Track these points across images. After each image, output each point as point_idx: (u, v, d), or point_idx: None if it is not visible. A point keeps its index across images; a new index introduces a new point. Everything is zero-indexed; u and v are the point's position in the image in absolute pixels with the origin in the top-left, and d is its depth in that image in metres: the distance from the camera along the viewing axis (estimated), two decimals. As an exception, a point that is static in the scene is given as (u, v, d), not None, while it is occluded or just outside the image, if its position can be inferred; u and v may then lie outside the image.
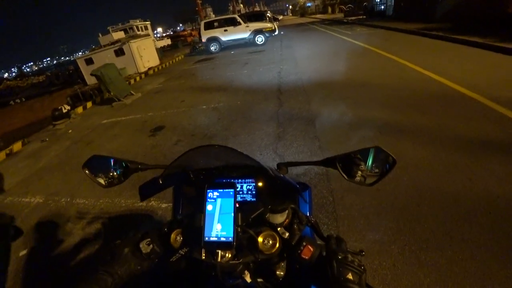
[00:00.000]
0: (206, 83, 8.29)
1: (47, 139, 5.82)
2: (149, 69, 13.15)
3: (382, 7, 20.39)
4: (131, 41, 12.48)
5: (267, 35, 15.16)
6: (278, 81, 6.81)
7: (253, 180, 0.92)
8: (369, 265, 1.79)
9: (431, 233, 1.96)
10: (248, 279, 0.71)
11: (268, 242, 0.71)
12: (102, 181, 0.95)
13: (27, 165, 4.68)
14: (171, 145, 4.23)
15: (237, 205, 0.72)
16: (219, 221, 0.69)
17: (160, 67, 13.86)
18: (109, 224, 2.74)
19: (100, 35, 15.51)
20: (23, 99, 13.56)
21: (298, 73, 7.25)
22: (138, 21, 23.47)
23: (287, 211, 0.77)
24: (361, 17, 22.79)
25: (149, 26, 24.60)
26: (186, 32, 33.85)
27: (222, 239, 0.67)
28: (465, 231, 1.93)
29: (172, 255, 0.75)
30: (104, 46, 13.21)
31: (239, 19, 15.21)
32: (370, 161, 0.79)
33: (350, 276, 0.60)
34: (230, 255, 0.68)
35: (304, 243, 0.70)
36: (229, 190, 0.72)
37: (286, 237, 0.74)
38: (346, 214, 2.26)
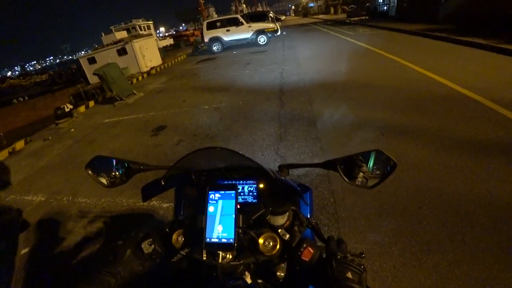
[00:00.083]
0: (208, 83, 8.31)
1: (50, 138, 5.84)
2: (151, 68, 13.18)
3: (385, 7, 20.35)
4: (134, 40, 12.52)
5: (269, 35, 15.15)
6: (280, 81, 6.81)
7: (254, 182, 0.92)
8: (369, 267, 1.79)
9: (432, 235, 1.96)
10: (249, 280, 0.71)
11: (269, 243, 0.72)
12: (104, 181, 0.96)
13: (30, 163, 4.71)
14: (173, 145, 4.25)
15: (238, 207, 0.72)
16: (220, 222, 0.70)
17: (162, 67, 13.90)
18: (110, 223, 2.75)
19: (103, 34, 15.54)
20: (26, 98, 13.62)
21: (300, 73, 7.25)
22: (140, 20, 23.52)
23: (288, 213, 0.78)
24: (363, 17, 22.75)
25: (151, 26, 24.66)
26: (188, 32, 33.89)
27: (223, 240, 0.68)
28: (466, 233, 1.92)
29: (173, 256, 0.76)
30: (107, 45, 13.27)
31: (241, 19, 15.22)
32: (371, 164, 0.80)
33: (349, 275, 0.60)
34: (231, 256, 0.68)
35: (305, 245, 0.70)
36: (231, 191, 0.73)
37: (286, 238, 0.74)
38: (347, 216, 2.26)
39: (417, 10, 14.69)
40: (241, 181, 0.93)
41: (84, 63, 13.21)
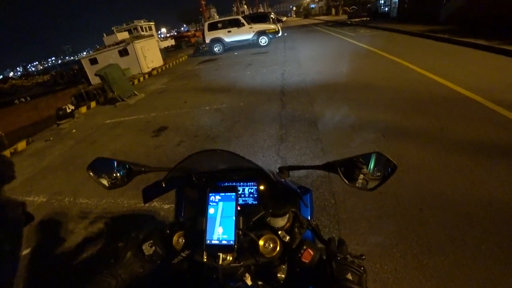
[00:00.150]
0: (209, 84, 8.32)
1: (51, 139, 5.86)
2: (153, 69, 13.21)
3: (386, 9, 20.37)
4: (135, 41, 12.55)
5: (270, 36, 15.17)
6: (281, 82, 6.82)
7: (255, 184, 0.93)
8: (370, 269, 1.79)
9: (433, 237, 1.95)
10: (249, 282, 0.71)
11: (269, 245, 0.72)
12: (105, 182, 0.96)
13: (31, 164, 4.72)
14: (174, 145, 4.25)
15: (239, 208, 0.72)
16: (220, 224, 0.70)
17: (163, 68, 13.93)
18: (111, 224, 2.76)
19: (104, 35, 15.60)
20: (28, 98, 13.67)
21: (301, 74, 7.25)
22: (142, 21, 23.59)
23: (288, 214, 0.78)
24: (364, 19, 22.77)
25: (153, 27, 24.73)
26: (190, 33, 33.96)
27: (224, 242, 0.68)
28: (467, 234, 1.92)
29: (174, 257, 0.76)
30: (109, 46, 13.31)
31: (242, 20, 15.24)
32: (371, 166, 0.80)
33: (349, 276, 0.61)
34: (231, 258, 0.69)
35: (305, 247, 0.70)
36: (231, 193, 0.73)
37: (287, 240, 0.74)
38: (348, 217, 2.26)
39: (418, 11, 14.69)
40: (241, 183, 0.93)
41: (86, 64, 13.25)
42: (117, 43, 13.03)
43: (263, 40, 15.09)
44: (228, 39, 15.46)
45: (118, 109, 7.39)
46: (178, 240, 0.79)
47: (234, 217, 0.70)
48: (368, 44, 10.28)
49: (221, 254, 0.68)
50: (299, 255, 0.69)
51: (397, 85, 5.24)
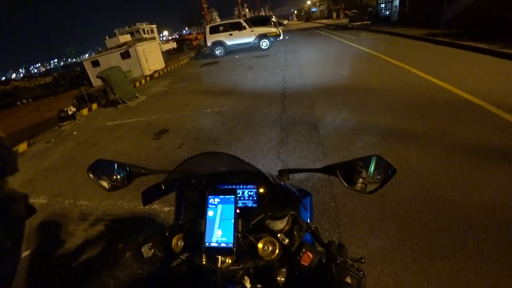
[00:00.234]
0: (210, 87, 8.34)
1: (53, 140, 5.88)
2: (155, 72, 13.26)
3: (387, 12, 20.46)
4: (137, 44, 12.62)
5: (272, 39, 15.24)
6: (282, 85, 6.83)
7: (254, 186, 0.92)
8: (371, 272, 1.78)
9: (434, 240, 1.94)
10: (248, 285, 0.71)
11: (268, 248, 0.72)
12: (105, 184, 0.97)
13: (32, 165, 4.73)
14: (175, 148, 4.26)
15: (238, 211, 0.72)
16: (219, 227, 0.70)
17: (165, 70, 13.98)
18: (111, 227, 2.76)
19: (107, 37, 15.71)
20: (30, 100, 13.71)
21: (303, 77, 7.27)
22: (144, 24, 23.76)
23: (287, 217, 0.78)
24: (366, 22, 22.85)
25: (155, 29, 24.88)
26: (191, 36, 34.18)
27: (223, 244, 0.68)
28: (469, 238, 1.91)
29: (173, 260, 0.76)
30: (111, 48, 13.40)
31: (244, 24, 15.33)
32: (371, 169, 0.80)
33: (348, 279, 0.61)
34: (230, 261, 0.69)
35: (304, 250, 0.70)
36: (230, 196, 0.73)
37: (286, 243, 0.74)
38: (349, 220, 2.25)
39: (419, 15, 14.74)
40: (241, 186, 0.93)
41: (88, 66, 13.33)
42: (119, 46, 13.11)
43: (264, 43, 15.15)
44: (229, 42, 15.53)
45: (120, 111, 7.41)
46: (177, 242, 0.79)
47: (233, 220, 0.70)
48: (369, 48, 10.31)
49: (220, 257, 0.67)
50: (298, 258, 0.69)
51: (398, 88, 5.25)
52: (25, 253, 2.54)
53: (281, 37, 15.79)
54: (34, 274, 2.36)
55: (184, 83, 9.70)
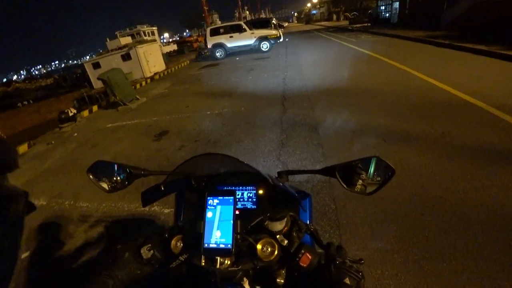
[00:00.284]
0: (211, 89, 8.36)
1: (53, 142, 5.88)
2: (155, 74, 13.30)
3: (387, 14, 20.51)
4: (138, 46, 12.66)
5: (272, 42, 15.28)
6: (283, 87, 6.84)
7: (253, 188, 0.92)
8: (371, 274, 1.77)
9: (434, 242, 1.94)
10: (247, 286, 0.71)
11: (267, 249, 0.71)
12: (105, 186, 0.97)
13: (32, 166, 4.73)
14: (175, 149, 4.26)
15: (237, 212, 0.72)
16: (218, 228, 0.70)
17: (166, 72, 14.01)
18: (111, 228, 2.75)
19: (107, 39, 15.75)
20: (31, 101, 13.76)
21: (303, 79, 7.28)
22: (145, 26, 23.84)
23: (286, 218, 0.78)
24: (366, 24, 22.91)
25: (155, 32, 24.96)
26: (192, 38, 34.27)
27: (221, 246, 0.68)
28: (470, 240, 1.90)
29: (172, 261, 0.76)
30: (111, 50, 13.43)
31: (244, 26, 15.37)
32: (371, 170, 0.80)
33: (347, 280, 0.61)
34: (229, 262, 0.68)
35: (303, 251, 0.70)
36: (229, 197, 0.73)
37: (285, 244, 0.74)
38: (349, 222, 2.25)
39: (419, 17, 14.77)
40: (240, 187, 0.93)
41: (88, 68, 13.37)
42: (120, 48, 13.16)
43: (265, 46, 15.20)
44: (230, 44, 15.57)
45: (120, 113, 7.42)
46: (176, 244, 0.79)
47: (232, 221, 0.70)
48: (369, 50, 10.33)
49: (219, 258, 0.67)
50: (297, 259, 0.69)
51: (398, 90, 5.25)
52: (25, 254, 2.54)
53: (281, 39, 15.84)
54: (34, 274, 2.36)
55: (185, 85, 9.72)
